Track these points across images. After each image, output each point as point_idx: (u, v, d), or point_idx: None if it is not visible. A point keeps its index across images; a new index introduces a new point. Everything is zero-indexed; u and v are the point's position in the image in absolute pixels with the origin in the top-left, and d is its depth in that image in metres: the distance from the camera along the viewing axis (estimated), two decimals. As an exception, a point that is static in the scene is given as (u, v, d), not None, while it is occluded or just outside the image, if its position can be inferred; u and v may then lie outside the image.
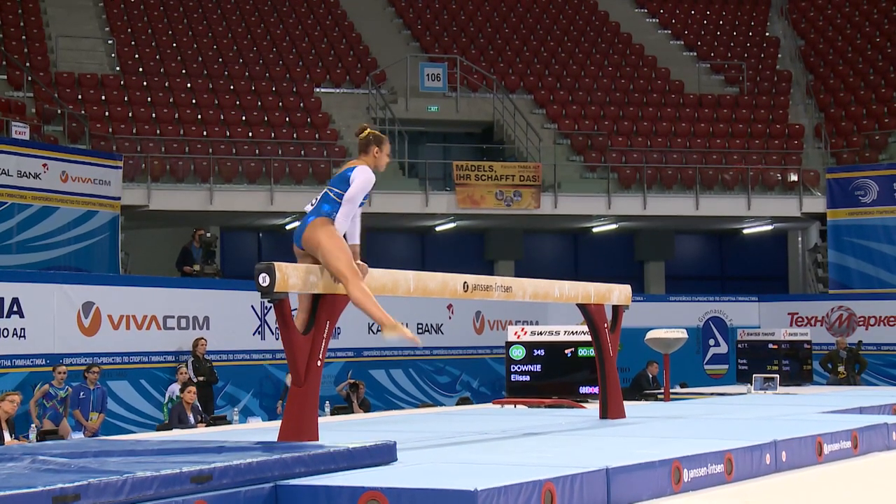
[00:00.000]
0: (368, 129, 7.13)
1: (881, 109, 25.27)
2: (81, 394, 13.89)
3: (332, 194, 6.85)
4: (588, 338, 10.11)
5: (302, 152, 21.36)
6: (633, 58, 27.27)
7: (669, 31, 29.04)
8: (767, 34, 29.25)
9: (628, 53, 27.44)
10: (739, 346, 18.85)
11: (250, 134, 21.76)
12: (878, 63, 26.87)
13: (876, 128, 24.74)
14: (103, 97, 21.73)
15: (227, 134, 21.56)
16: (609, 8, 29.33)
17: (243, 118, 22.22)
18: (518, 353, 13.03)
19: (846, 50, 27.75)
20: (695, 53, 27.92)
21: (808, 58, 27.70)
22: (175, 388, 14.82)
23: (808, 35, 28.70)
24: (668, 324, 16.03)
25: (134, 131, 20.88)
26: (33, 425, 12.57)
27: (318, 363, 6.67)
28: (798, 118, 25.72)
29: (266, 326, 16.84)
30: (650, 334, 14.17)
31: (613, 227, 23.70)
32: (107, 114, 21.18)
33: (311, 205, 6.91)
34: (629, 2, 30.14)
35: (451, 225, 22.78)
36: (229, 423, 13.21)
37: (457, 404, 17.73)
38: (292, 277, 6.48)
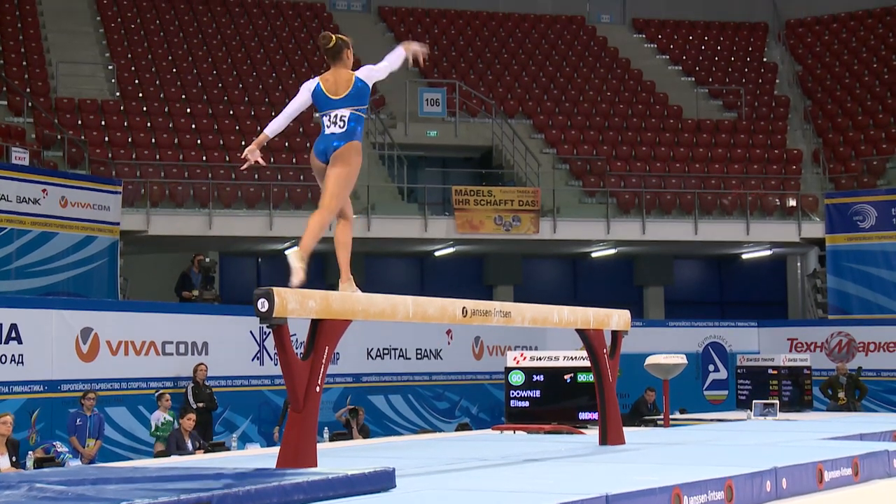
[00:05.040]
0: (333, 36, 7.06)
1: (879, 135, 25.30)
2: (78, 420, 13.82)
3: (358, 113, 7.00)
4: (587, 363, 10.07)
5: (301, 177, 21.35)
6: (632, 83, 27.34)
7: (667, 57, 29.13)
8: (765, 60, 29.34)
9: (626, 79, 27.51)
10: (739, 371, 18.82)
11: (250, 159, 21.73)
12: (875, 88, 26.93)
13: (874, 153, 24.77)
14: (103, 122, 21.77)
15: (227, 159, 21.58)
16: (607, 33, 29.44)
17: (242, 143, 22.20)
18: (517, 378, 12.99)
19: (844, 75, 27.83)
20: (693, 79, 28.00)
21: (805, 83, 27.78)
22: (160, 416, 14.58)
23: (806, 60, 28.79)
24: (668, 349, 15.99)
25: (133, 156, 20.90)
26: (30, 452, 12.51)
27: (318, 389, 6.65)
28: (796, 143, 25.76)
29: (265, 352, 16.80)
30: (649, 360, 14.12)
31: (612, 251, 23.70)
32: (106, 139, 21.21)
33: (336, 125, 6.89)
34: (627, 27, 30.26)
35: (451, 250, 22.77)
36: (227, 449, 13.15)
37: (456, 430, 17.69)
38: (291, 302, 6.46)
